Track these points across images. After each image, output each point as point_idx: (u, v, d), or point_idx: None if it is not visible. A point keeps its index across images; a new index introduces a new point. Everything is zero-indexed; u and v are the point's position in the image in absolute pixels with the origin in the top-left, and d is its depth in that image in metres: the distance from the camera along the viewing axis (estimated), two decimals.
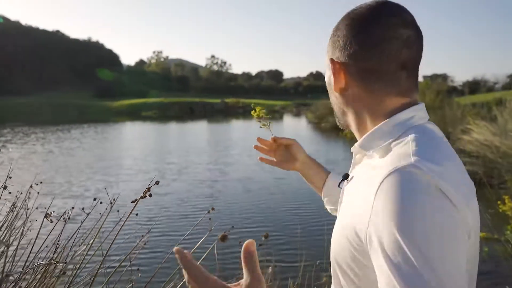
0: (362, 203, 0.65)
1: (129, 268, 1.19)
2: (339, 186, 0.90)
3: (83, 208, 1.10)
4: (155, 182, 0.92)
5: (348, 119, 0.81)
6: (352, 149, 0.80)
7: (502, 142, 7.48)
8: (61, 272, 1.06)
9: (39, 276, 1.05)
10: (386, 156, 0.68)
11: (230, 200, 7.44)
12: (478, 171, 7.66)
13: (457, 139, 10.14)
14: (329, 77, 0.81)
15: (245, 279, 0.58)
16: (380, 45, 0.71)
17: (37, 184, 1.39)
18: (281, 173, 10.08)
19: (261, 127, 1.07)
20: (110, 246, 1.16)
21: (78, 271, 1.12)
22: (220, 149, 14.95)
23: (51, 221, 1.07)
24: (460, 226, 0.57)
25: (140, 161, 12.09)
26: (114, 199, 1.10)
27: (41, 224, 1.14)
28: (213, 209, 1.26)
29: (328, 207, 1.12)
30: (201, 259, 1.47)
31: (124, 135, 22.77)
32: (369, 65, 0.73)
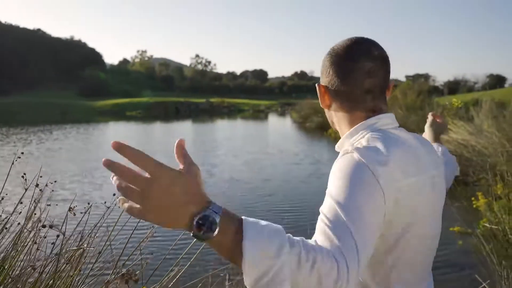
0: None
1: (140, 256, 1.37)
2: None
3: (105, 202, 1.27)
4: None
5: (335, 126, 1.08)
6: (336, 148, 1.07)
7: (477, 141, 7.83)
8: (86, 255, 1.23)
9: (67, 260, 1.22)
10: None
11: (217, 200, 7.58)
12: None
13: None
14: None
15: (184, 168, 0.63)
16: (348, 76, 0.97)
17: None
18: (268, 174, 10.28)
19: None
20: (129, 237, 1.33)
21: (99, 257, 1.30)
22: (206, 149, 15.07)
23: (74, 214, 1.23)
24: (376, 192, 0.80)
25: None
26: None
27: (65, 218, 1.30)
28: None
29: None
30: (198, 251, 1.65)
31: (109, 136, 22.65)
32: (342, 90, 0.99)
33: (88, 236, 1.31)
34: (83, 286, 1.28)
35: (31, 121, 29.47)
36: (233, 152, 13.59)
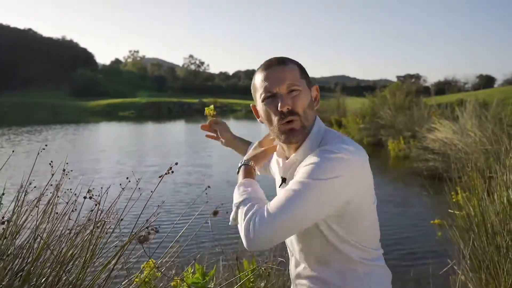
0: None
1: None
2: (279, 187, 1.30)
3: (120, 184, 1.52)
4: (175, 163, 1.35)
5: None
6: None
7: (460, 140, 8.16)
8: (103, 228, 1.47)
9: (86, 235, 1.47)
10: None
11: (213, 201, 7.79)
12: (439, 166, 8.32)
13: (422, 137, 10.84)
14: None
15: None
16: None
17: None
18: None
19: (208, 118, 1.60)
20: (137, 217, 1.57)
21: (115, 231, 1.55)
22: (199, 149, 15.27)
23: (91, 198, 1.47)
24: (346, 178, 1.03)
25: (119, 163, 12.31)
26: (138, 179, 1.53)
27: (82, 204, 1.55)
28: (209, 186, 1.70)
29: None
30: (198, 228, 1.90)
31: (101, 136, 22.73)
32: None
33: (106, 212, 1.56)
34: (104, 250, 1.55)
35: (22, 121, 29.38)
36: (226, 152, 13.79)
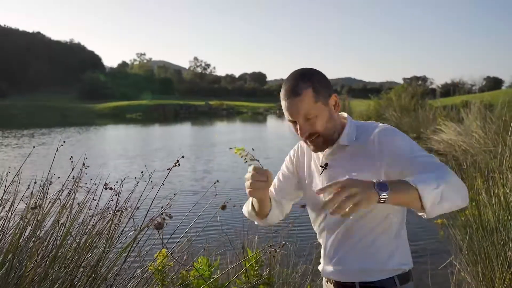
0: (368, 156, 1.31)
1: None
2: (321, 173, 1.42)
3: (135, 177, 1.65)
4: (181, 156, 1.47)
5: (331, 126, 1.38)
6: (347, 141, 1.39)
7: (464, 141, 8.22)
8: (120, 217, 1.60)
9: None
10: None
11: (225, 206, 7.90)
12: None
13: (427, 138, 10.90)
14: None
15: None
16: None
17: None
18: None
19: (245, 162, 1.33)
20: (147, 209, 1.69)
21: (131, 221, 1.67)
22: (206, 153, 15.40)
23: (110, 188, 1.60)
24: None
25: (131, 164, 12.48)
26: (151, 172, 1.65)
27: (100, 194, 1.68)
28: (217, 181, 1.82)
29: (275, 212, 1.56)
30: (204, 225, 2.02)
31: (110, 138, 22.97)
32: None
33: (124, 202, 1.69)
34: (121, 236, 1.68)
35: (31, 123, 29.69)
36: (234, 157, 13.84)
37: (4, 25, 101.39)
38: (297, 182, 1.54)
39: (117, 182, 1.74)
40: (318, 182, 1.42)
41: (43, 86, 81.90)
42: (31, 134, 21.82)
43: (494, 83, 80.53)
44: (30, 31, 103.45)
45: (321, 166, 1.40)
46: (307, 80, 1.30)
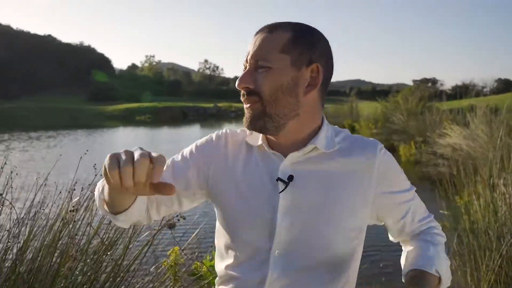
0: (359, 179, 0.94)
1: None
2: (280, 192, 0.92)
3: None
4: None
5: (292, 116, 0.94)
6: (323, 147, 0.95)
7: (469, 145, 8.33)
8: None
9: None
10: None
11: None
12: (446, 171, 8.51)
13: (433, 142, 10.99)
14: None
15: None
16: (332, 64, 1.03)
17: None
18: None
19: None
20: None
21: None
22: None
23: None
24: None
25: None
26: None
27: None
28: None
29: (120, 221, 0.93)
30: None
31: (122, 139, 23.28)
32: (329, 77, 1.01)
33: None
34: (140, 236, 1.91)
35: (41, 125, 30.05)
36: None
37: (17, 28, 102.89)
38: (200, 182, 1.01)
39: None
40: (270, 202, 0.93)
41: (52, 88, 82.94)
42: (38, 137, 22.09)
43: (505, 85, 79.86)
44: (41, 33, 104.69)
45: (278, 179, 0.92)
46: (298, 29, 0.92)
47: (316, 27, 0.97)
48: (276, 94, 0.89)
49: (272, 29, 0.91)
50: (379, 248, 5.29)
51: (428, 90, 21.17)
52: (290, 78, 0.89)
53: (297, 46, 0.90)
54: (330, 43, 0.97)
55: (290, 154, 0.93)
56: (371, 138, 1.00)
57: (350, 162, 0.94)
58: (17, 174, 2.00)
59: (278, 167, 0.94)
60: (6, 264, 1.59)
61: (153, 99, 59.17)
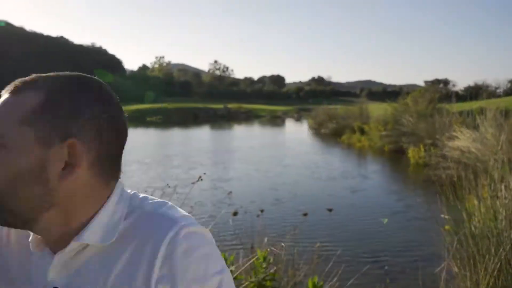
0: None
1: None
2: None
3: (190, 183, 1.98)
4: (203, 173, 1.79)
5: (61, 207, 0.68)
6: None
7: (477, 148, 8.33)
8: None
9: None
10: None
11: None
12: (454, 174, 8.51)
13: (443, 145, 10.98)
14: None
15: None
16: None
17: None
18: (293, 186, 10.88)
19: None
20: None
21: None
22: (226, 159, 15.77)
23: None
24: None
25: (147, 170, 12.92)
26: (174, 186, 1.99)
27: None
28: (230, 192, 2.14)
29: None
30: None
31: (133, 141, 23.53)
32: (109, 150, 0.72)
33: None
34: None
35: None
36: (255, 164, 14.10)
37: (30, 30, 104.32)
38: None
39: (145, 191, 2.08)
40: None
41: None
42: None
43: None
44: (54, 35, 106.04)
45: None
46: (57, 89, 0.67)
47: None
48: (14, 183, 0.63)
49: (18, 89, 0.66)
50: (383, 250, 5.37)
51: (439, 91, 21.04)
52: (33, 160, 0.63)
53: (47, 115, 0.64)
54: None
55: (56, 255, 0.68)
56: (176, 215, 0.70)
57: (130, 257, 0.67)
58: None
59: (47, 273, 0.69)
60: None
61: (164, 100, 59.48)
